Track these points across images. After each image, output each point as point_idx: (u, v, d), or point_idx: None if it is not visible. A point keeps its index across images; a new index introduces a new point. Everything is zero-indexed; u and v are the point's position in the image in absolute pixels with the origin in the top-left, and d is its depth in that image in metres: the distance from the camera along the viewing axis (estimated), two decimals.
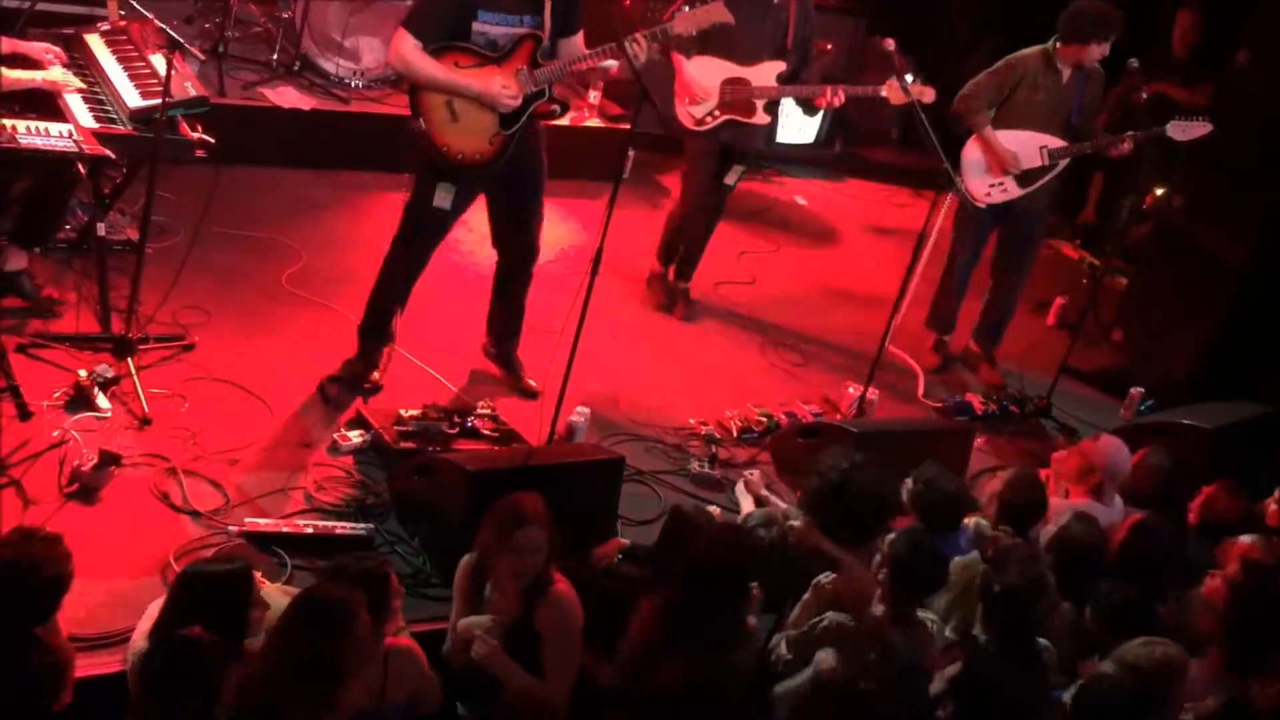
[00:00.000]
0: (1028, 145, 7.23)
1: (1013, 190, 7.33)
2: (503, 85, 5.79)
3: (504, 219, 6.29)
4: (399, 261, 6.14)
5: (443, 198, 5.94)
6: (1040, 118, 7.24)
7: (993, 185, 7.31)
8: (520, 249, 6.34)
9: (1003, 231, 7.61)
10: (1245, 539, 5.45)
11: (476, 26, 5.80)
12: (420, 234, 6.08)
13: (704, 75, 7.06)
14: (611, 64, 5.99)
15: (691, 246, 7.62)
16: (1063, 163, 7.31)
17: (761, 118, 7.20)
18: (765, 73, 7.08)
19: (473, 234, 7.23)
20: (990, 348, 7.88)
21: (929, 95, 6.92)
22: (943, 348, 7.91)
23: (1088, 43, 7.11)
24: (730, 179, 7.39)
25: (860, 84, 7.43)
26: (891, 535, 4.88)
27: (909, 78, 6.83)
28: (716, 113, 7.10)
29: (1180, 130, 7.18)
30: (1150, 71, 8.03)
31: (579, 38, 6.02)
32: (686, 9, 5.99)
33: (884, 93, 7.03)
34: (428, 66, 5.78)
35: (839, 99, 7.14)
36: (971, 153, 7.28)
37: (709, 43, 6.90)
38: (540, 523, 4.52)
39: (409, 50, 5.77)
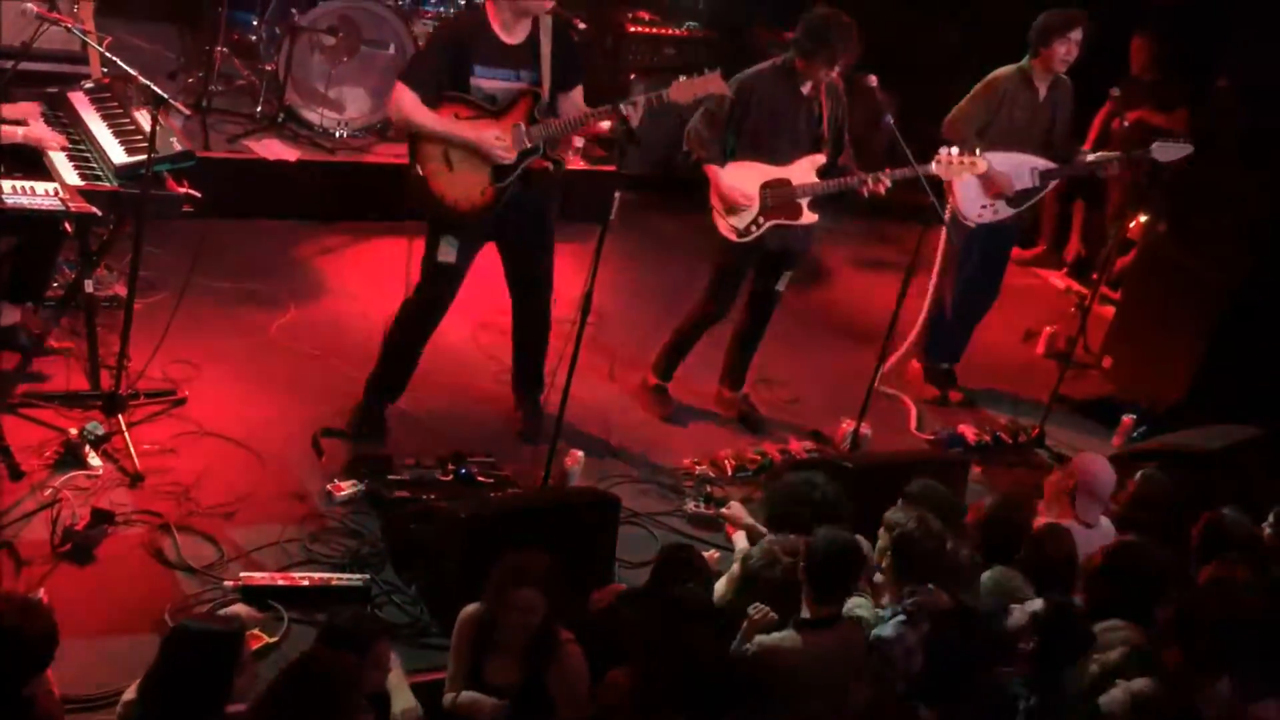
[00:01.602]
0: (1019, 166, 7.27)
1: (1003, 211, 7.37)
2: (497, 138, 5.82)
3: (513, 271, 6.31)
4: (410, 316, 6.17)
5: (447, 251, 5.98)
6: (1023, 137, 7.30)
7: (984, 206, 7.33)
8: (530, 302, 6.34)
9: (983, 251, 7.63)
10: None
11: (474, 81, 5.86)
12: (431, 288, 6.11)
13: (741, 182, 6.56)
14: (605, 124, 6.03)
15: (739, 354, 7.18)
16: (1052, 183, 7.35)
17: (809, 217, 6.68)
18: (804, 169, 6.62)
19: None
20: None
21: (981, 166, 6.77)
22: (946, 377, 7.93)
23: (1051, 44, 7.17)
24: (781, 285, 6.94)
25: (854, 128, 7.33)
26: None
27: (954, 150, 6.63)
28: (761, 220, 6.60)
29: (1164, 152, 7.20)
30: (1128, 99, 8.10)
31: (578, 93, 6.05)
32: (683, 78, 5.94)
33: (934, 169, 6.66)
34: (425, 117, 5.83)
35: (883, 186, 6.65)
36: (970, 169, 7.21)
37: (742, 145, 6.56)
38: (537, 583, 4.48)
39: (407, 103, 5.83)
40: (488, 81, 5.87)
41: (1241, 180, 7.80)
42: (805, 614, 4.69)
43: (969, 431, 7.42)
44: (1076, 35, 7.18)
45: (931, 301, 7.76)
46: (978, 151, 6.78)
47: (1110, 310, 8.95)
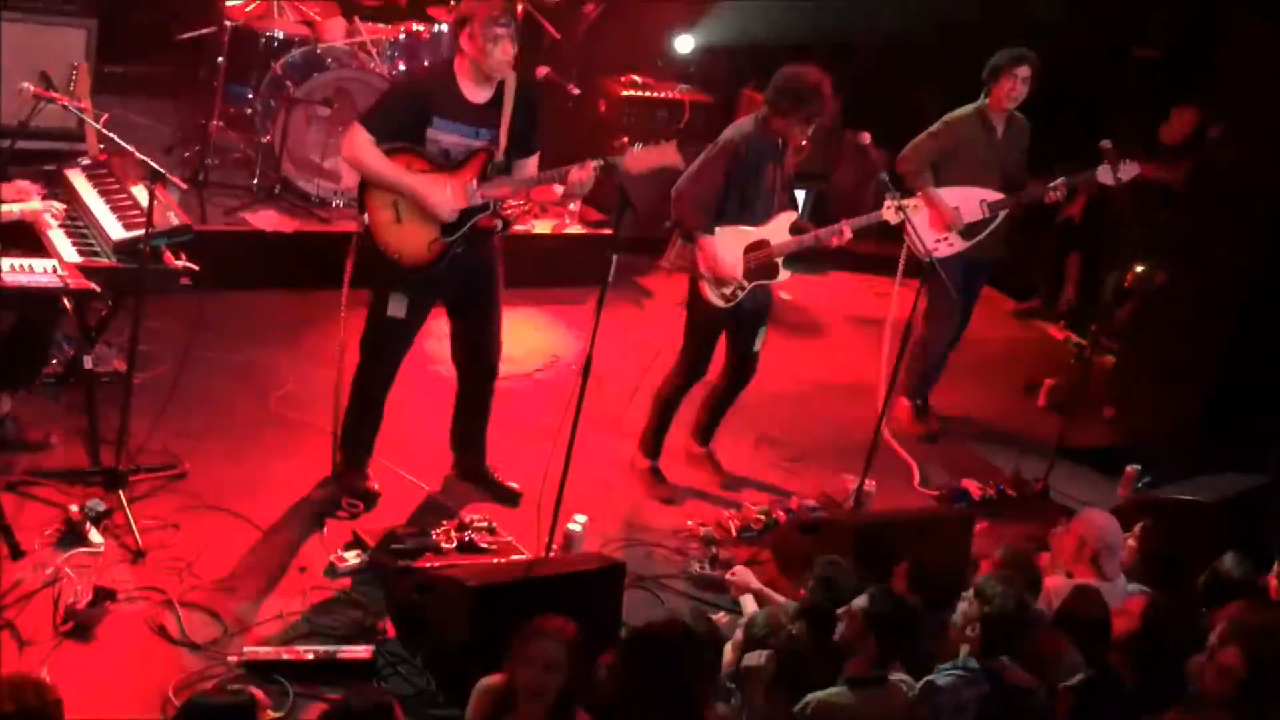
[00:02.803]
0: (969, 200, 7.46)
1: (958, 244, 7.51)
2: (447, 195, 5.81)
3: (459, 330, 6.29)
4: (366, 377, 6.15)
5: (396, 306, 5.97)
6: (982, 175, 7.50)
7: (938, 240, 7.46)
8: (474, 361, 6.32)
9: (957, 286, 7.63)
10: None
11: (431, 133, 5.85)
12: (382, 346, 6.09)
13: (728, 251, 6.53)
14: (559, 188, 6.05)
15: (713, 413, 7.14)
16: (1002, 213, 7.50)
17: (783, 275, 6.72)
18: (780, 228, 6.63)
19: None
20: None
21: (918, 203, 6.89)
22: (926, 410, 8.04)
23: (999, 79, 7.42)
24: (758, 344, 6.90)
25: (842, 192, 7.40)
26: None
27: (896, 195, 6.67)
28: (745, 284, 6.60)
29: (1106, 173, 7.37)
30: (1129, 153, 8.16)
31: (534, 160, 6.06)
32: (639, 147, 5.96)
33: (885, 215, 6.73)
34: (377, 163, 5.82)
35: (846, 235, 6.70)
36: (916, 211, 7.18)
37: (725, 204, 6.49)
38: (561, 640, 4.39)
39: (362, 145, 5.81)
40: (445, 136, 5.87)
41: (1236, 230, 7.84)
42: (854, 672, 4.68)
43: (973, 486, 7.40)
44: (1024, 73, 7.41)
45: (917, 344, 7.69)
46: (917, 194, 7.14)
47: (1110, 360, 8.95)
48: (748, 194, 6.53)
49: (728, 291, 6.60)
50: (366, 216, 5.89)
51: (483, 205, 5.91)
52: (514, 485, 6.44)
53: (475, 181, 5.87)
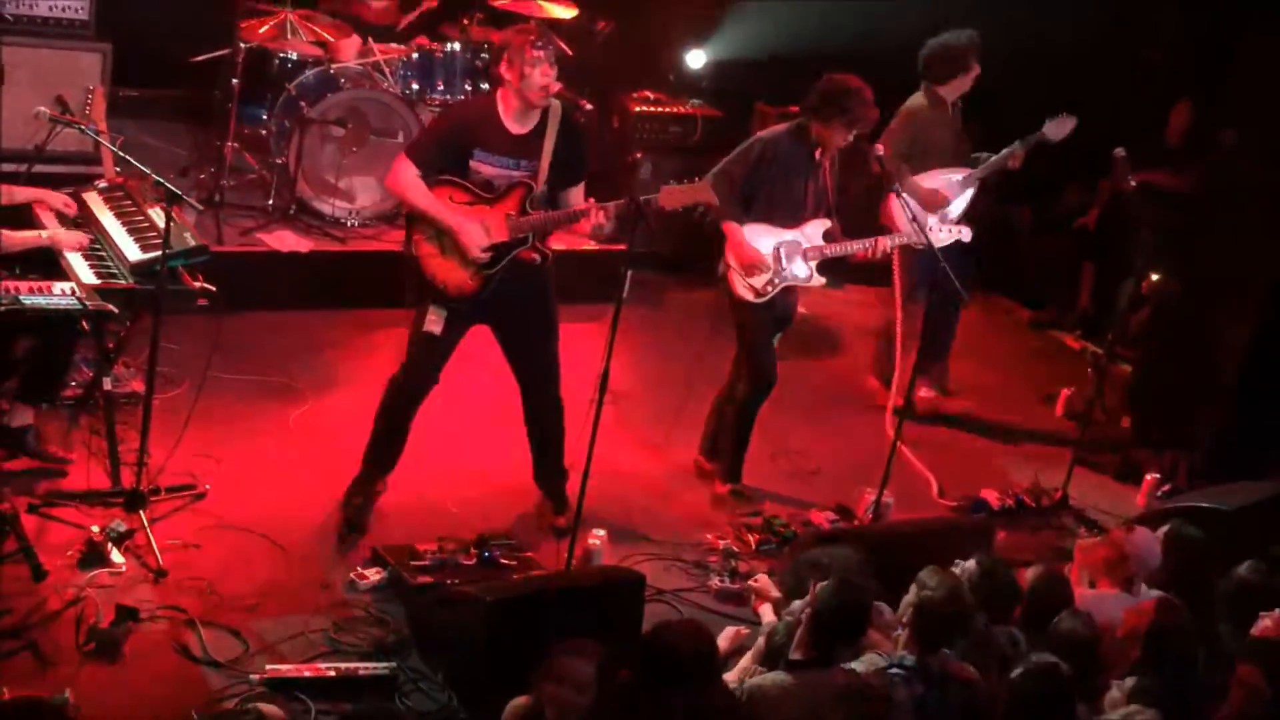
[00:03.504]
0: (948, 183, 7.62)
1: (957, 229, 7.38)
2: (483, 229, 5.86)
3: (512, 362, 6.31)
4: (396, 387, 6.17)
5: (433, 321, 6.00)
6: (945, 155, 7.63)
7: (937, 229, 7.40)
8: (536, 388, 6.32)
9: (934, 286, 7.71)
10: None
11: (473, 164, 5.92)
12: (416, 360, 6.11)
13: (760, 243, 6.63)
14: (587, 226, 6.11)
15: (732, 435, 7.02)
16: (974, 187, 7.64)
17: (817, 280, 6.77)
18: (814, 232, 6.71)
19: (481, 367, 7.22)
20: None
21: (967, 234, 6.93)
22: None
23: (969, 68, 7.64)
24: (774, 344, 6.90)
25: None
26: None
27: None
28: (776, 280, 6.65)
29: (1054, 129, 7.54)
30: (1140, 161, 8.18)
31: (578, 190, 6.12)
32: (673, 184, 5.98)
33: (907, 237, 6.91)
34: (420, 198, 5.90)
35: (878, 249, 6.85)
36: (899, 206, 7.14)
37: (754, 206, 6.61)
38: (590, 660, 4.36)
39: (405, 178, 5.91)
40: (487, 167, 5.94)
41: (1251, 235, 7.82)
42: (797, 655, 4.65)
43: (992, 496, 7.37)
44: (977, 71, 7.63)
45: (906, 329, 7.86)
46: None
47: (1126, 369, 8.93)
48: (775, 197, 6.60)
49: (758, 284, 6.62)
50: (413, 249, 5.96)
51: (522, 238, 5.95)
52: (561, 522, 6.33)
53: (515, 214, 5.92)
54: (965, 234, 7.35)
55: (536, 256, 6.03)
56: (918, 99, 7.75)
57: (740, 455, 6.98)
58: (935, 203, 7.58)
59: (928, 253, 6.88)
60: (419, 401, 6.18)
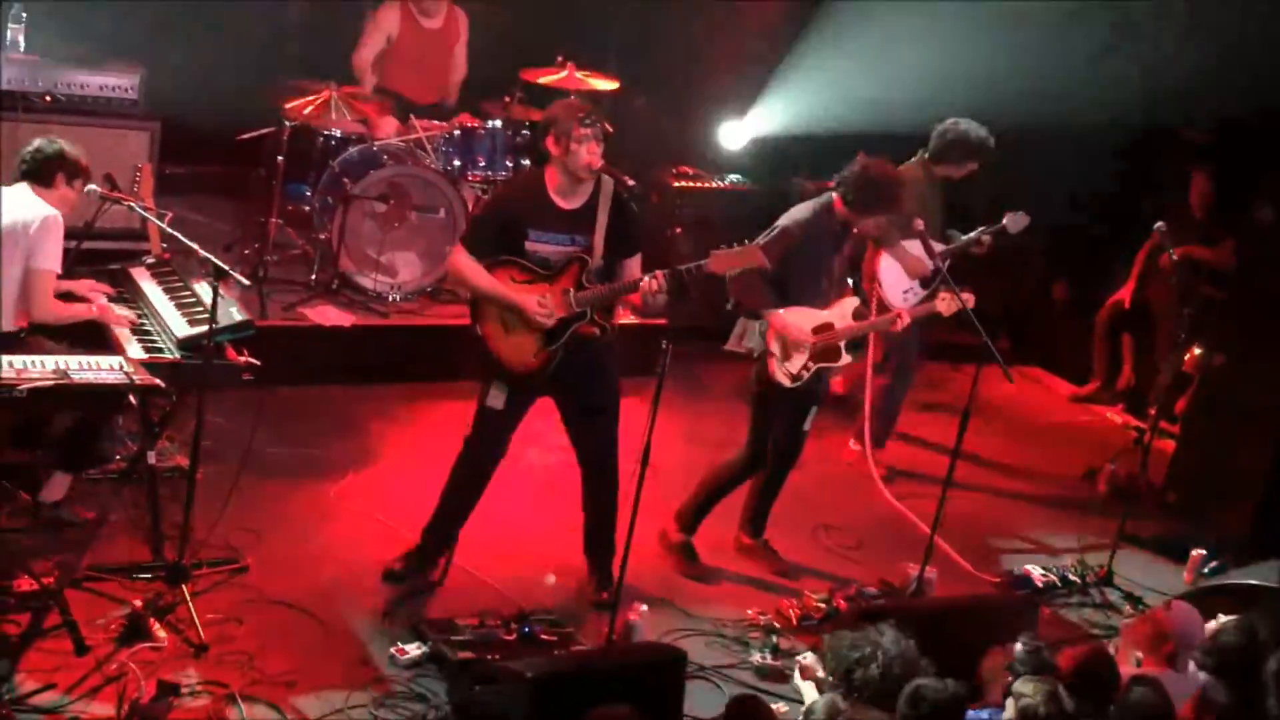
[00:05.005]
0: (919, 251, 7.55)
1: (919, 293, 7.76)
2: (540, 303, 5.92)
3: (573, 432, 6.36)
4: (462, 463, 6.23)
5: (495, 397, 6.10)
6: (931, 226, 7.54)
7: (906, 291, 7.81)
8: (593, 462, 6.35)
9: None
10: None
11: (528, 244, 6.01)
12: (480, 436, 6.19)
13: (799, 327, 6.64)
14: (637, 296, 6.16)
15: (763, 499, 7.09)
16: (948, 262, 7.61)
17: (845, 359, 6.81)
18: (844, 312, 6.74)
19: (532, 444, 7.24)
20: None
21: (970, 301, 6.97)
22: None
23: (973, 157, 7.82)
24: (808, 425, 6.90)
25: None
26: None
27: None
28: (810, 364, 6.65)
29: (1013, 222, 7.69)
30: (1176, 235, 8.18)
31: (635, 261, 6.19)
32: (723, 249, 6.00)
33: (939, 307, 7.01)
34: (478, 279, 6.01)
35: (905, 320, 6.97)
36: (887, 264, 7.76)
37: (787, 288, 6.61)
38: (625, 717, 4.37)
39: (463, 264, 6.03)
40: (542, 245, 6.01)
41: None
42: None
43: (1033, 572, 7.31)
44: (974, 168, 7.86)
45: (882, 394, 8.21)
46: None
47: (1170, 444, 8.86)
48: (805, 279, 6.61)
49: (795, 370, 6.62)
50: (478, 328, 6.07)
51: (580, 313, 6.01)
52: (605, 596, 6.27)
53: (573, 289, 5.98)
54: (917, 292, 7.70)
55: (596, 330, 6.08)
56: (915, 169, 7.79)
57: (705, 511, 6.95)
58: (919, 271, 7.73)
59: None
60: (488, 474, 6.26)
